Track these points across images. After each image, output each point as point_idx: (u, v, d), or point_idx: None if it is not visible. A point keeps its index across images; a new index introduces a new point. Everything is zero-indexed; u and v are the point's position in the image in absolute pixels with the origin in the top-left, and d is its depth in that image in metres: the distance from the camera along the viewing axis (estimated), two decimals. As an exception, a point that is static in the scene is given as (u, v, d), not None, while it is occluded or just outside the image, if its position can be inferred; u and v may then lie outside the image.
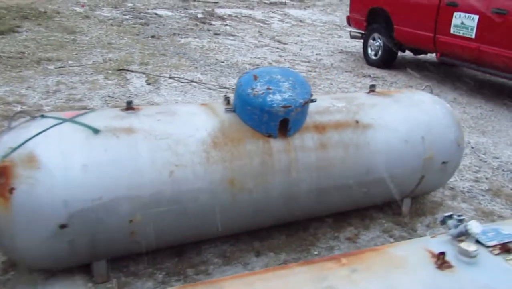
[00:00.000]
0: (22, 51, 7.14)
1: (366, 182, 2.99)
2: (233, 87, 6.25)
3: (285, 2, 17.02)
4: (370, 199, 3.16)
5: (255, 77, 2.68)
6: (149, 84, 6.12)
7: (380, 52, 8.34)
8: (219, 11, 14.04)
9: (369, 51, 8.61)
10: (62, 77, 6.03)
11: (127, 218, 2.34)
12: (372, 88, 3.32)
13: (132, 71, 6.58)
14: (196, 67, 7.21)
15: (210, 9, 14.14)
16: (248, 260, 2.84)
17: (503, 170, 4.38)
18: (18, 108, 4.89)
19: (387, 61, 8.28)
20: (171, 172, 2.41)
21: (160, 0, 15.46)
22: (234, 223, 2.71)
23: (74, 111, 2.64)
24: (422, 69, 8.34)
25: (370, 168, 2.96)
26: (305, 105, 2.66)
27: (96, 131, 2.35)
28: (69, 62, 6.82)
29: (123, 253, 2.57)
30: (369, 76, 7.72)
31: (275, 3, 16.64)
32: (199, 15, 12.99)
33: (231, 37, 10.21)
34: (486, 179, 4.19)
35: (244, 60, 8.07)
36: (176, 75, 6.62)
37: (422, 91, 3.50)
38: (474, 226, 1.41)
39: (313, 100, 2.87)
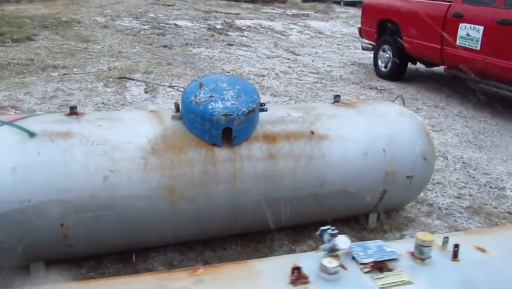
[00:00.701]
0: (32, 59, 7.38)
1: (322, 195, 2.91)
2: (231, 96, 6.24)
3: (308, 14, 17.01)
4: (329, 212, 3.07)
5: (201, 85, 2.66)
6: (146, 92, 6.19)
7: (390, 64, 8.18)
8: (239, 22, 14.16)
9: (379, 63, 8.47)
10: (63, 84, 6.18)
11: (58, 221, 2.35)
12: (336, 99, 3.24)
13: (133, 79, 6.69)
14: (199, 77, 7.25)
15: (230, 20, 14.28)
16: (193, 270, 2.79)
17: (490, 187, 4.18)
18: (12, 112, 5.03)
19: (397, 73, 8.11)
20: (105, 177, 2.41)
21: (183, 11, 15.75)
22: (176, 232, 2.68)
23: (18, 115, 2.68)
24: (433, 81, 8.12)
25: (326, 180, 2.87)
26: (249, 114, 2.61)
27: (32, 134, 2.38)
28: (74, 69, 6.99)
29: (61, 256, 2.58)
30: (376, 88, 7.58)
31: (297, 15, 16.66)
32: (218, 26, 13.13)
33: (244, 48, 10.25)
34: (470, 195, 4.01)
35: (250, 71, 8.07)
36: (176, 84, 6.68)
37: (391, 103, 3.40)
38: (341, 242, 1.33)
39: (263, 110, 2.83)
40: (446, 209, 3.75)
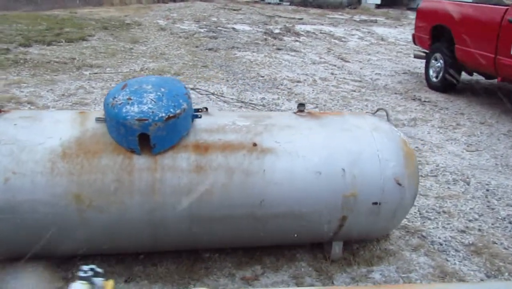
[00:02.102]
0: (74, 58, 7.63)
1: (262, 216, 2.55)
2: (252, 102, 6.00)
3: (376, 20, 16.25)
4: (275, 236, 2.70)
5: (124, 86, 2.43)
6: (165, 94, 6.09)
7: (441, 74, 7.44)
8: (299, 27, 13.84)
9: (431, 72, 7.75)
10: (88, 82, 6.29)
11: (-46, 223, 2.23)
12: (300, 108, 2.86)
13: (158, 80, 6.63)
14: (228, 80, 7.07)
15: (290, 25, 14.00)
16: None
17: (510, 222, 3.52)
18: (26, 108, 5.16)
19: (448, 84, 7.35)
20: (6, 179, 2.26)
21: (246, 16, 15.73)
22: (87, 242, 2.47)
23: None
24: (489, 95, 7.25)
25: (266, 200, 2.52)
26: (169, 120, 2.34)
27: None
28: (107, 69, 7.11)
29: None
30: (419, 100, 6.92)
31: (365, 21, 15.97)
32: (276, 31, 12.91)
33: (293, 53, 9.93)
34: (479, 230, 3.40)
35: (287, 76, 7.75)
36: (201, 87, 6.54)
37: (370, 116, 2.94)
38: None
39: (196, 116, 2.54)
40: (441, 244, 3.19)
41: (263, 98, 6.37)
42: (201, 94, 6.24)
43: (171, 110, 2.35)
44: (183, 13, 15.27)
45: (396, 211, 2.76)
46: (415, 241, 3.21)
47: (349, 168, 2.60)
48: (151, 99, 2.35)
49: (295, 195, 2.55)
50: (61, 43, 8.72)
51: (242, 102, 6.07)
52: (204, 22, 13.49)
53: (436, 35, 7.67)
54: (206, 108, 2.74)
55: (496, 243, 3.25)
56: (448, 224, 3.47)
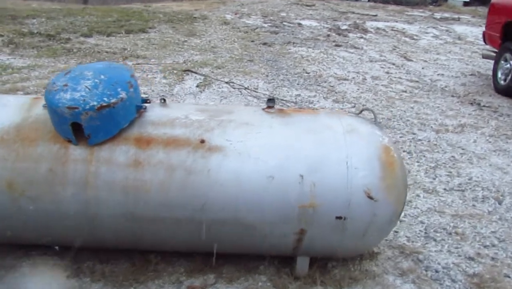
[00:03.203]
0: (125, 48, 7.82)
1: (204, 221, 2.31)
2: (285, 98, 5.73)
3: (459, 18, 15.03)
4: (223, 243, 2.44)
5: (68, 72, 2.32)
6: (197, 86, 6.02)
7: (510, 77, 6.62)
8: (370, 24, 13.19)
9: (499, 74, 6.95)
10: (126, 72, 6.36)
11: None
12: (269, 104, 2.57)
13: (196, 73, 6.59)
14: (268, 75, 6.84)
15: (361, 22, 13.40)
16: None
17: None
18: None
19: (517, 89, 6.52)
20: None
21: (318, 12, 15.34)
22: (24, 232, 2.39)
23: None
24: None
25: (209, 203, 2.28)
26: (102, 110, 2.18)
27: None
28: (152, 60, 7.19)
29: None
30: (478, 104, 6.20)
31: (445, 19, 14.85)
32: (344, 27, 12.40)
33: (352, 50, 9.44)
34: (492, 259, 2.88)
35: (335, 74, 7.34)
36: (238, 81, 6.37)
37: (349, 116, 2.57)
38: None
39: (140, 107, 2.36)
40: (437, 271, 2.74)
41: (298, 95, 6.05)
42: (234, 88, 6.06)
43: (105, 99, 2.18)
44: (254, 8, 15.21)
45: (368, 229, 2.38)
46: (407, 264, 2.78)
47: (308, 175, 2.27)
48: (86, 86, 2.20)
49: (243, 201, 2.28)
50: (120, 34, 9.00)
51: (275, 98, 5.79)
52: (271, 17, 13.30)
53: (508, 33, 6.84)
54: (164, 100, 2.55)
55: (509, 277, 2.72)
56: (457, 248, 2.98)
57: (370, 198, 2.30)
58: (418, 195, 3.63)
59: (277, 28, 11.44)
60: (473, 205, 3.52)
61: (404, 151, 4.47)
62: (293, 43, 9.60)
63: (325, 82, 6.80)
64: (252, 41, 9.59)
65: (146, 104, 2.46)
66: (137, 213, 2.29)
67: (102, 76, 2.26)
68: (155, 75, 6.35)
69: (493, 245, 3.02)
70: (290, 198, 2.28)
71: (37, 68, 6.31)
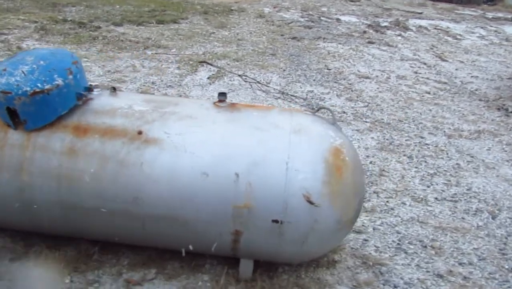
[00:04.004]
0: (150, 38, 7.89)
1: (137, 215, 2.25)
2: (296, 94, 5.59)
3: (513, 17, 14.13)
4: (165, 241, 2.37)
5: (12, 57, 2.31)
6: (208, 78, 5.97)
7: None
8: (413, 21, 12.65)
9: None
10: (142, 61, 6.43)
11: None
12: (221, 98, 2.46)
13: (211, 64, 6.54)
14: (285, 70, 6.68)
15: (404, 19, 12.87)
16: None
17: (514, 276, 2.68)
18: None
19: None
20: None
21: (361, 8, 14.91)
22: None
23: None
24: None
25: (141, 197, 2.21)
26: (35, 95, 2.15)
27: None
28: (172, 50, 7.22)
29: None
30: (506, 110, 5.77)
31: (497, 19, 14.01)
32: (384, 24, 11.97)
33: (385, 48, 9.08)
34: (464, 278, 2.64)
35: (358, 71, 7.08)
36: (252, 74, 6.27)
37: (302, 114, 2.42)
38: None
39: (81, 94, 2.32)
40: (397, 287, 2.55)
41: (311, 91, 5.87)
42: (246, 81, 5.96)
43: (39, 85, 2.16)
44: (294, 2, 14.97)
45: (308, 236, 2.23)
46: (366, 276, 2.60)
47: (245, 174, 2.15)
48: (23, 71, 2.19)
49: (176, 197, 2.20)
50: (151, 24, 9.09)
51: (284, 93, 5.66)
52: (310, 12, 13.03)
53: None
54: (114, 89, 2.50)
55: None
56: (428, 262, 2.76)
57: (310, 202, 2.15)
58: (404, 203, 3.41)
59: (313, 23, 11.18)
60: (462, 218, 3.26)
61: (404, 155, 4.22)
62: (324, 38, 9.34)
63: (344, 79, 6.57)
64: (282, 35, 9.42)
65: (95, 93, 2.42)
66: (70, 202, 2.26)
67: (42, 62, 2.24)
68: (170, 66, 6.35)
69: (470, 263, 2.77)
70: (224, 197, 2.17)
71: (58, 54, 6.48)
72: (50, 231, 2.48)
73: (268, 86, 5.86)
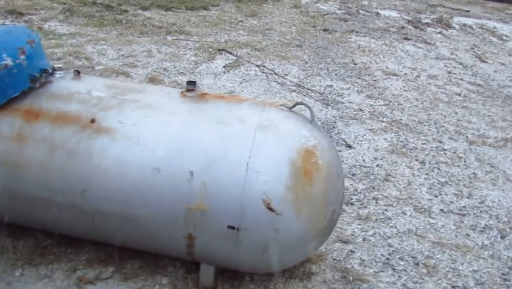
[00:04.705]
0: (174, 23, 7.77)
1: (87, 210, 2.09)
2: (313, 88, 5.33)
3: None
4: (118, 238, 2.20)
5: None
6: (224, 67, 5.77)
7: None
8: (457, 19, 11.97)
9: None
10: (160, 47, 6.31)
11: None
12: (188, 87, 2.24)
13: (230, 53, 6.34)
14: (307, 62, 6.39)
15: (448, 16, 12.21)
16: None
17: None
18: (79, 63, 5.39)
19: None
20: None
21: (405, 2, 14.29)
22: None
23: None
24: None
25: (90, 190, 2.04)
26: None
27: None
28: (193, 37, 7.06)
29: None
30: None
31: (554, 18, 13.05)
32: (425, 20, 11.38)
33: (421, 45, 8.59)
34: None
35: (386, 68, 6.70)
36: (271, 65, 6.03)
37: (275, 110, 2.17)
38: None
39: (34, 76, 2.16)
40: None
41: (330, 86, 5.56)
42: (262, 72, 5.73)
43: (-17, 64, 2.02)
44: (336, -7, 14.51)
45: (269, 246, 1.99)
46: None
47: (200, 172, 1.94)
48: (-27, 48, 2.05)
49: (126, 192, 2.01)
50: (180, 10, 8.96)
51: (300, 86, 5.39)
52: (350, 5, 12.56)
53: None
54: (78, 72, 2.34)
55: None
56: (416, 282, 2.47)
57: (270, 209, 1.91)
58: (404, 213, 3.10)
59: (349, 16, 10.75)
60: (467, 234, 2.92)
61: (416, 160, 3.88)
62: (357, 32, 8.94)
63: (369, 75, 6.21)
64: (314, 26, 9.08)
65: (57, 75, 2.26)
66: (17, 192, 2.12)
67: (-5, 39, 2.09)
68: (187, 52, 6.19)
69: (465, 287, 2.45)
70: (176, 196, 1.97)
71: (77, 36, 6.45)
72: (3, 220, 2.36)
73: (285, 78, 5.59)
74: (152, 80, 5.07)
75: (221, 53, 6.30)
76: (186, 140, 2.00)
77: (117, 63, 5.48)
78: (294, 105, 2.19)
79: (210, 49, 6.41)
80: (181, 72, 5.39)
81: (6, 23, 6.89)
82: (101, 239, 2.26)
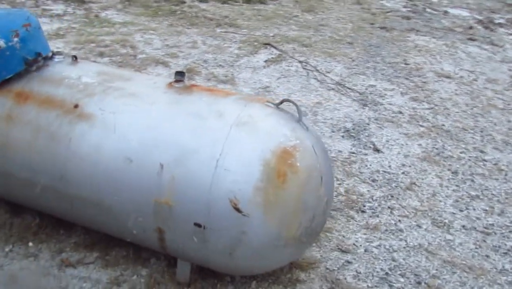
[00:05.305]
0: (227, 16, 7.79)
1: (66, 195, 2.11)
2: (354, 87, 5.15)
3: None
4: (97, 225, 2.21)
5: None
6: (265, 61, 5.69)
7: None
8: (538, 19, 11.02)
9: None
10: (206, 38, 6.34)
11: None
12: (178, 78, 2.19)
13: (275, 47, 6.24)
14: (354, 60, 6.15)
15: (528, 16, 11.28)
16: None
17: None
18: (124, 51, 5.53)
19: None
20: None
21: (478, 1, 13.41)
22: None
23: None
24: None
25: (66, 175, 2.06)
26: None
27: None
28: (243, 30, 7.03)
29: None
30: None
31: None
32: (499, 20, 10.61)
33: (486, 46, 7.99)
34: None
35: (441, 69, 6.29)
36: (315, 62, 5.87)
37: (261, 106, 2.06)
38: None
39: (28, 59, 2.21)
40: None
41: (373, 86, 5.31)
42: (304, 68, 5.58)
43: (-21, 45, 2.08)
44: (406, -10, 13.88)
45: (236, 248, 1.90)
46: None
47: (170, 165, 1.89)
48: (-28, 30, 2.12)
49: (101, 180, 2.01)
50: (237, 3, 8.97)
51: (340, 85, 5.19)
52: (417, 2, 11.98)
53: None
54: (75, 57, 2.36)
55: None
56: None
57: (237, 210, 1.82)
58: (419, 225, 2.87)
59: (414, 14, 10.23)
60: (486, 256, 2.65)
61: (449, 170, 3.59)
62: (418, 31, 8.48)
63: (419, 76, 5.85)
64: (372, 24, 8.73)
65: (56, 60, 2.30)
66: (5, 171, 2.18)
67: (-7, 23, 2.16)
68: (231, 45, 6.17)
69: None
70: (146, 188, 1.93)
71: (129, 25, 6.63)
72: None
73: (326, 76, 5.41)
74: (189, 71, 5.09)
75: (266, 48, 6.21)
76: (160, 132, 1.95)
77: (159, 53, 5.57)
78: (281, 102, 2.07)
79: (255, 43, 6.34)
80: (220, 65, 5.37)
81: (67, 10, 7.24)
82: (81, 224, 2.28)
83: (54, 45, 5.60)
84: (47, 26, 6.36)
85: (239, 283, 2.26)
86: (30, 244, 2.40)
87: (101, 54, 5.33)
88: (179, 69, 5.20)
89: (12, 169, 2.15)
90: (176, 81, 2.18)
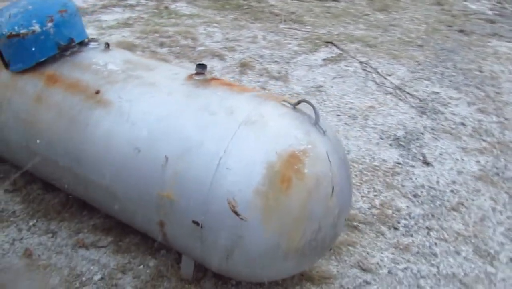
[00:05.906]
0: (294, 12, 7.68)
1: (81, 177, 2.15)
2: (415, 93, 4.89)
3: None
4: (108, 209, 2.22)
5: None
6: (323, 60, 5.53)
7: None
8: None
9: None
10: (268, 34, 6.28)
11: None
12: (198, 70, 2.14)
13: (336, 46, 6.04)
14: (420, 64, 5.80)
15: None
16: None
17: None
18: (184, 42, 5.61)
19: None
20: None
21: None
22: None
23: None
24: None
25: (82, 160, 2.10)
26: (11, 38, 2.17)
27: None
28: (307, 27, 6.88)
29: None
30: None
31: None
32: None
33: None
34: None
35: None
36: (376, 63, 5.61)
37: (277, 105, 1.95)
38: None
39: (61, 44, 2.25)
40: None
41: (436, 92, 4.97)
42: (364, 69, 5.35)
43: (16, 28, 2.17)
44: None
45: (233, 252, 1.82)
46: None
47: (174, 159, 1.85)
48: (10, 14, 2.22)
49: (110, 167, 2.01)
50: (315, 1, 8.80)
51: (399, 89, 4.91)
52: (506, 5, 11.10)
53: None
54: (108, 45, 2.39)
55: None
56: None
57: (235, 212, 1.73)
58: (458, 252, 2.62)
59: (501, 17, 9.48)
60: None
61: (506, 192, 3.26)
62: (501, 36, 7.84)
63: (492, 86, 5.40)
64: (450, 26, 8.20)
65: (91, 46, 2.34)
66: (33, 149, 2.26)
67: (30, 7, 2.25)
68: (292, 42, 6.05)
69: None
70: (150, 179, 1.91)
71: (195, 17, 6.72)
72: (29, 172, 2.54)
73: (386, 79, 5.14)
74: (243, 65, 5.05)
75: (327, 46, 6.02)
76: (169, 124, 1.91)
77: (218, 46, 5.58)
78: (298, 102, 1.94)
79: (317, 41, 6.17)
80: (276, 61, 5.28)
81: (140, 1, 7.48)
82: (96, 206, 2.31)
83: (121, 34, 5.82)
84: (118, 15, 6.62)
85: (245, 286, 2.18)
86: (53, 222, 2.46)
87: (162, 45, 5.43)
88: (234, 63, 5.19)
89: (37, 147, 2.22)
90: (197, 73, 2.12)
